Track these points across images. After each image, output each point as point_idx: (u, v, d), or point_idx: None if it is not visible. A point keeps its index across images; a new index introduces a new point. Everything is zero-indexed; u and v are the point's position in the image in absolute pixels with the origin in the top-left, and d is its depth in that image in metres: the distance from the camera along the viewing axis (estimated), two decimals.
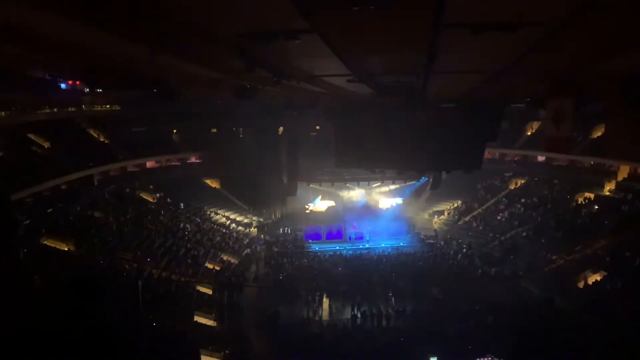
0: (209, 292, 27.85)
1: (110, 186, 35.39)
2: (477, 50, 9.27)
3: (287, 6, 6.09)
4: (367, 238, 39.02)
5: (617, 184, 34.24)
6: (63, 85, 33.48)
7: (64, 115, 35.14)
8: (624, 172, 34.41)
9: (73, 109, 36.20)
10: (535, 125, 41.20)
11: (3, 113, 29.93)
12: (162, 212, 36.05)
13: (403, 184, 43.09)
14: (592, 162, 37.43)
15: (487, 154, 32.45)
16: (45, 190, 29.33)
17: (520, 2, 6.48)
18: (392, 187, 43.61)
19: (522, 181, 41.58)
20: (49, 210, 28.26)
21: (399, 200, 44.62)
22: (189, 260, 30.55)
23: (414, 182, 42.47)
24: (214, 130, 47.14)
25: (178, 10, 6.46)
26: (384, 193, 44.61)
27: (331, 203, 44.20)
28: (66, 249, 25.69)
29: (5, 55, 10.07)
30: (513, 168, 43.02)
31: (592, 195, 35.05)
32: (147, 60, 8.77)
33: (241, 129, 48.02)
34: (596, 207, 33.85)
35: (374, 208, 43.63)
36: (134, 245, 29.08)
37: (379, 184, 43.14)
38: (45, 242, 25.26)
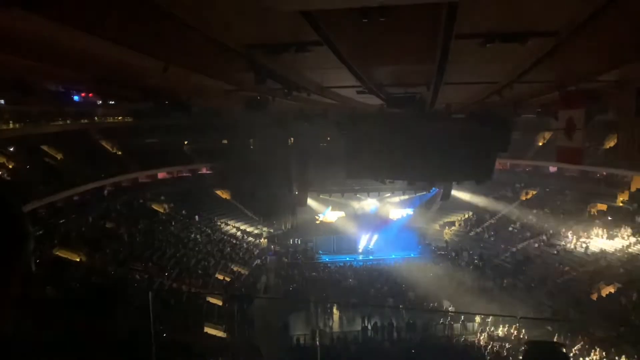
0: (220, 303, 27.83)
1: (122, 197, 35.61)
2: (487, 60, 9.28)
3: (298, 19, 6.15)
4: (372, 248, 38.79)
5: (631, 195, 33.86)
6: (76, 98, 33.81)
7: (77, 127, 35.48)
8: (637, 182, 34.01)
9: (86, 121, 36.54)
10: (547, 135, 40.91)
11: (17, 125, 30.29)
12: (173, 223, 36.18)
13: (413, 195, 42.90)
14: (604, 173, 37.05)
15: (498, 164, 32.24)
16: (58, 201, 29.58)
17: (530, 13, 6.49)
18: (403, 197, 43.42)
19: (534, 192, 41.25)
20: (61, 221, 28.48)
21: (409, 211, 44.44)
22: (200, 271, 30.58)
23: (425, 192, 42.29)
24: (225, 141, 47.34)
25: (191, 23, 6.54)
26: (395, 204, 44.43)
27: (341, 214, 44.12)
28: (78, 260, 25.84)
29: (19, 67, 10.23)
30: (525, 179, 42.68)
31: (604, 207, 34.67)
32: (159, 72, 8.87)
33: (252, 140, 48.17)
34: (609, 218, 33.47)
35: (384, 219, 43.46)
36: (145, 255, 29.18)
37: (389, 194, 42.97)
38: (57, 253, 25.44)
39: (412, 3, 5.57)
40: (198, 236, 35.77)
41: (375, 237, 40.06)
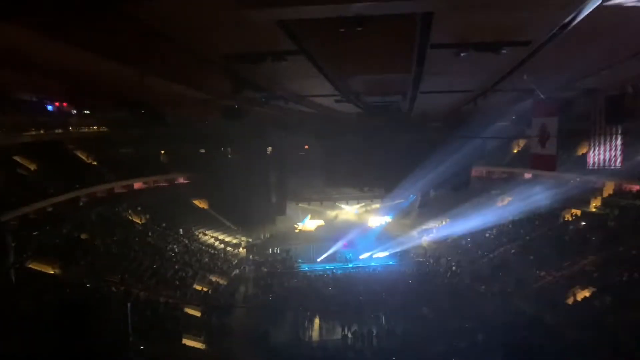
0: (198, 314, 27.51)
1: (97, 208, 35.04)
2: (462, 69, 9.43)
3: (274, 29, 6.17)
4: (350, 257, 38.88)
5: (603, 200, 34.60)
6: (50, 107, 33.31)
7: (50, 137, 34.83)
8: (609, 188, 34.80)
9: (60, 131, 35.93)
10: (521, 143, 41.61)
11: None
12: (150, 234, 35.72)
13: (392, 203, 43.14)
14: (577, 179, 37.78)
15: (474, 172, 32.65)
16: (31, 213, 28.95)
17: (503, 24, 6.63)
18: (381, 205, 43.64)
19: (510, 199, 41.82)
20: (34, 233, 27.87)
21: (388, 219, 44.67)
22: (177, 282, 30.21)
23: (403, 200, 42.59)
24: (202, 150, 47.03)
25: (167, 32, 6.51)
26: (373, 211, 44.63)
27: (320, 222, 44.12)
28: (52, 272, 25.30)
29: None
30: (500, 186, 43.24)
31: (578, 212, 35.33)
32: (135, 81, 8.80)
33: (229, 149, 47.94)
34: (583, 223, 34.11)
35: (363, 226, 43.58)
36: (121, 267, 28.71)
37: (367, 202, 43.17)
38: (30, 265, 24.87)
39: (388, 13, 5.63)
40: (175, 246, 35.36)
41: (354, 244, 40.08)
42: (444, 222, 43.32)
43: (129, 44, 7.01)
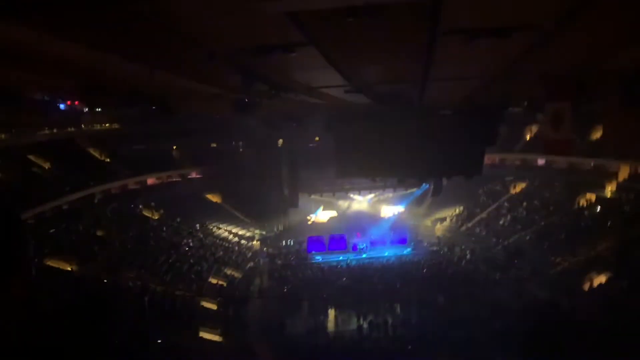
0: (214, 307, 27.77)
1: (112, 204, 35.40)
2: (473, 56, 9.32)
3: (283, 20, 6.15)
4: (363, 247, 38.88)
5: (618, 185, 34.20)
6: (62, 106, 33.57)
7: (63, 135, 35.23)
8: (624, 172, 34.36)
9: (73, 129, 36.30)
10: (534, 128, 41.25)
11: (3, 135, 30.02)
12: (164, 229, 36.03)
13: (404, 192, 43.05)
14: (592, 164, 37.41)
15: (487, 159, 32.41)
16: (47, 211, 29.34)
17: (514, 7, 6.54)
18: (394, 195, 43.54)
19: (523, 185, 41.55)
20: (51, 231, 28.25)
21: (400, 209, 44.59)
22: (193, 276, 30.49)
23: (415, 189, 42.46)
24: (214, 145, 47.25)
25: (177, 27, 6.52)
26: (386, 201, 44.56)
27: (333, 213, 44.16)
28: (69, 269, 25.65)
29: (3, 77, 10.14)
30: (513, 172, 42.96)
31: (593, 197, 34.99)
32: (146, 77, 8.84)
33: (241, 143, 48.09)
34: (598, 208, 33.80)
35: (376, 217, 43.56)
36: (137, 262, 29.04)
37: (380, 192, 43.10)
38: (48, 263, 25.23)
39: (397, 1, 5.59)
40: (190, 241, 35.65)
41: (368, 235, 40.10)
42: (457, 211, 43.17)
43: (138, 39, 7.03)
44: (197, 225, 38.86)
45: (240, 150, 47.94)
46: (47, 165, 33.05)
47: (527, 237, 34.70)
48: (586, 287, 26.31)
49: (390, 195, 43.60)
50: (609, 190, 34.54)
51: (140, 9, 5.56)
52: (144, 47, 7.38)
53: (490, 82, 13.06)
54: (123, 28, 6.30)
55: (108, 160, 38.87)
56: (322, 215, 43.77)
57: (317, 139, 44.05)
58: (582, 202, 35.46)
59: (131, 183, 39.51)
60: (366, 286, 29.95)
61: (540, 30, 7.43)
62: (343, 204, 44.44)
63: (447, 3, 5.77)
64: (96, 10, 5.32)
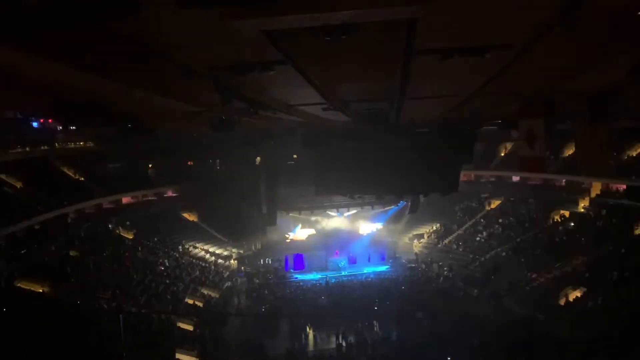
0: (190, 328, 27.27)
1: (86, 224, 34.74)
2: (448, 75, 9.49)
3: (261, 38, 6.18)
4: (344, 264, 38.90)
5: (591, 201, 34.91)
6: (35, 124, 33.08)
7: (36, 154, 34.61)
8: (596, 188, 35.12)
9: (46, 147, 35.70)
10: (509, 146, 41.95)
11: None
12: (140, 249, 35.44)
13: (382, 209, 43.20)
14: (564, 181, 38.15)
15: (463, 176, 32.75)
16: (19, 231, 28.61)
17: (486, 28, 6.69)
18: (372, 212, 43.62)
19: (499, 202, 42.09)
20: (22, 252, 27.55)
21: (379, 226, 44.70)
22: (169, 296, 29.96)
23: (393, 206, 42.66)
24: (190, 163, 46.86)
25: (154, 45, 6.50)
26: (364, 218, 44.60)
27: (311, 231, 44.02)
28: (42, 291, 24.99)
29: None
30: (489, 189, 43.52)
31: (567, 213, 35.62)
32: (122, 95, 8.76)
33: (218, 161, 47.81)
34: (572, 224, 34.39)
35: (354, 234, 43.54)
36: (112, 283, 28.44)
37: (358, 209, 43.15)
38: (19, 285, 24.55)
39: (373, 20, 5.67)
40: (166, 261, 35.10)
41: (346, 252, 40.08)
42: (434, 228, 43.45)
43: (115, 57, 6.98)
44: (173, 245, 38.30)
45: (218, 168, 47.64)
46: (19, 185, 32.32)
47: (503, 253, 35.07)
48: (562, 302, 26.63)
49: (369, 212, 43.67)
50: (582, 206, 35.23)
51: (118, 28, 5.53)
52: (121, 65, 7.33)
53: (465, 100, 13.29)
54: (99, 46, 6.26)
55: (82, 179, 38.19)
56: (300, 233, 43.59)
57: (295, 156, 44.09)
58: (556, 218, 36.06)
59: (106, 202, 38.86)
60: (345, 304, 29.81)
61: (510, 50, 7.62)
62: (321, 221, 44.33)
63: (422, 23, 5.88)
64: (72, 28, 5.27)
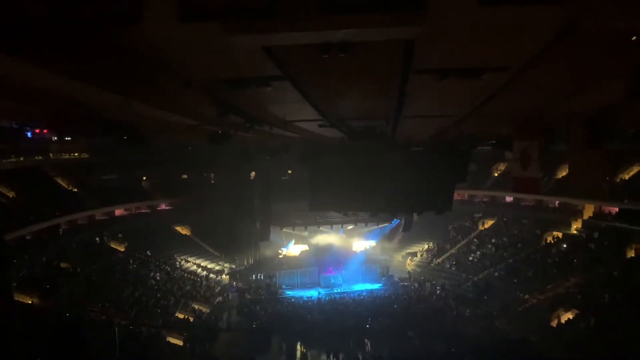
0: (180, 342, 26.95)
1: (78, 235, 34.50)
2: (444, 95, 9.58)
3: (260, 54, 6.23)
4: (340, 282, 38.81)
5: (584, 223, 35.05)
6: (29, 134, 33.05)
7: (30, 163, 34.44)
8: (589, 210, 35.30)
9: (40, 157, 35.55)
10: (502, 166, 42.20)
11: None
12: (131, 261, 35.17)
13: (376, 227, 43.15)
14: (557, 202, 38.34)
15: (457, 195, 32.80)
16: (10, 241, 28.32)
17: (483, 50, 6.78)
18: (365, 229, 43.57)
19: (492, 221, 42.18)
20: (13, 262, 27.25)
21: (372, 243, 44.61)
22: (159, 310, 29.68)
23: (387, 224, 42.63)
24: (185, 176, 46.74)
25: (151, 57, 6.53)
26: (358, 236, 44.53)
27: (305, 247, 43.86)
28: (30, 302, 24.71)
29: None
30: (482, 209, 43.65)
31: (560, 234, 35.75)
32: (119, 107, 8.78)
33: (212, 174, 47.74)
34: (565, 245, 34.47)
35: (348, 251, 43.40)
36: (102, 296, 28.16)
37: (352, 226, 43.09)
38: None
39: (371, 39, 5.73)
40: (157, 274, 34.82)
41: (339, 269, 39.93)
42: (427, 246, 43.41)
43: (113, 68, 7.01)
44: (165, 258, 38.02)
45: (212, 181, 47.54)
46: (11, 194, 32.10)
47: (496, 274, 35.04)
48: (554, 323, 26.58)
49: (362, 229, 43.61)
50: (575, 228, 35.35)
51: (118, 39, 5.57)
52: (119, 76, 7.35)
53: (460, 120, 13.39)
54: (98, 56, 6.29)
55: (75, 190, 38.01)
56: (293, 249, 43.41)
57: (290, 172, 44.16)
58: (549, 239, 36.15)
59: (99, 214, 38.67)
60: (337, 321, 29.60)
61: (506, 72, 7.71)
62: (315, 237, 44.20)
63: (419, 44, 5.95)
64: (73, 38, 5.31)
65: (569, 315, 26.58)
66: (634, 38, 6.05)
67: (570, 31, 5.68)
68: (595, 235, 32.99)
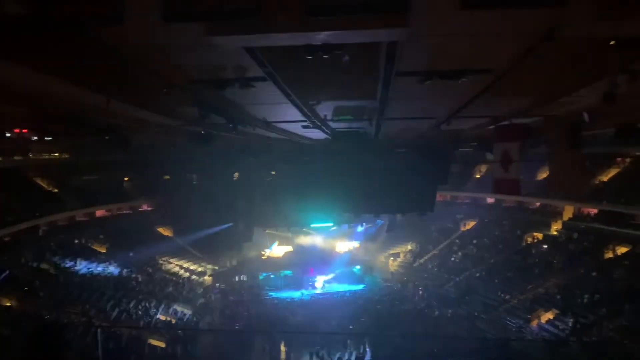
0: (162, 344, 26.70)
1: (58, 237, 34.01)
2: (426, 96, 9.66)
3: (242, 55, 6.23)
4: (323, 284, 38.82)
5: (564, 224, 35.54)
6: (8, 134, 32.43)
7: (8, 164, 33.86)
8: (569, 212, 35.81)
9: (19, 158, 34.97)
10: (483, 168, 42.54)
11: None
12: (112, 262, 34.76)
13: (360, 227, 43.25)
14: (538, 204, 38.79)
15: (439, 196, 33.05)
16: None
17: (465, 52, 6.86)
18: (349, 230, 43.65)
19: (474, 223, 42.53)
20: None
21: (355, 244, 44.71)
22: (140, 312, 29.38)
23: (370, 225, 42.75)
24: (167, 177, 46.28)
25: (133, 57, 6.49)
26: (341, 237, 44.59)
27: (288, 248, 43.79)
28: (9, 304, 24.30)
29: None
30: (464, 210, 43.99)
31: (540, 235, 36.17)
32: (100, 106, 8.69)
33: (195, 175, 47.35)
34: (545, 246, 34.90)
35: (331, 252, 43.43)
36: (82, 298, 27.79)
37: (335, 227, 43.15)
38: None
39: (354, 42, 5.77)
40: (139, 276, 34.47)
41: (322, 271, 39.94)
42: (410, 247, 43.63)
43: (94, 68, 6.95)
44: (147, 260, 37.63)
45: (194, 182, 47.17)
46: None
47: (477, 274, 35.34)
48: (534, 323, 26.90)
49: (346, 230, 43.66)
50: (555, 229, 35.82)
51: (100, 39, 5.52)
52: (99, 76, 7.29)
53: (442, 122, 13.51)
54: (78, 56, 6.23)
55: (56, 190, 37.45)
56: (277, 250, 43.30)
57: (273, 173, 44.00)
58: (530, 240, 36.58)
59: (79, 215, 38.16)
60: (320, 322, 29.61)
61: (490, 74, 7.81)
62: (298, 239, 44.15)
63: (402, 46, 6.00)
64: (50, 36, 5.25)
65: (549, 316, 26.92)
66: (612, 42, 6.18)
67: (550, 36, 5.78)
68: (575, 236, 33.48)
